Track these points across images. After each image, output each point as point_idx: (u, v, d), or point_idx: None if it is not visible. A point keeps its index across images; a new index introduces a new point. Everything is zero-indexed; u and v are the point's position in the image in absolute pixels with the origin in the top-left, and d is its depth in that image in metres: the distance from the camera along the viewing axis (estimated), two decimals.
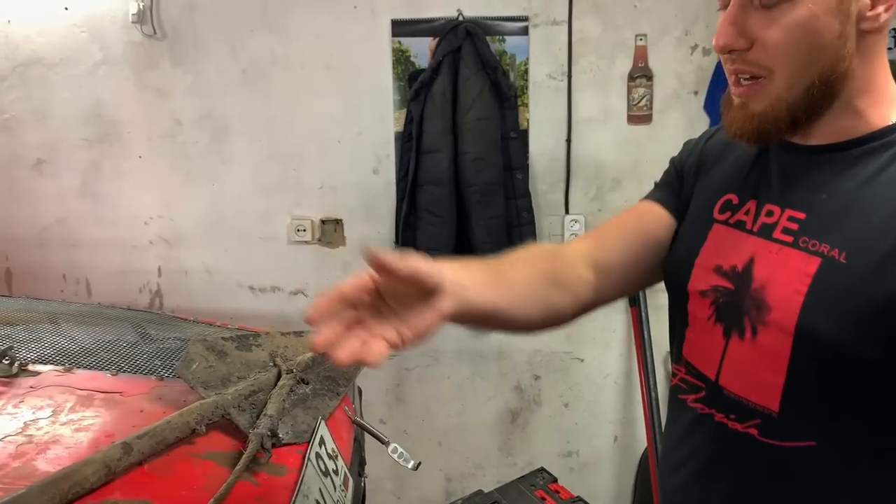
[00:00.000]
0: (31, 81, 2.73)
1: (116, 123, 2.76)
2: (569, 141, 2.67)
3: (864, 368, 0.81)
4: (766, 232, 0.89)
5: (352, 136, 2.76)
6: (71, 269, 2.84)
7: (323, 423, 1.31)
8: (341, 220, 2.82)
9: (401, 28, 2.69)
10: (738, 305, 0.89)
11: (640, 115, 2.69)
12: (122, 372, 1.41)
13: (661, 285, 1.07)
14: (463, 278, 0.86)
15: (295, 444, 1.23)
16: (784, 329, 0.83)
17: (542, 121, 2.67)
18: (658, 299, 2.68)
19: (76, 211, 2.81)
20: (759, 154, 0.96)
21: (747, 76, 0.85)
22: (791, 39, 0.80)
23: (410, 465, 1.51)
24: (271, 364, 1.40)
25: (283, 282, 2.86)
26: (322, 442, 1.27)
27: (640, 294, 2.64)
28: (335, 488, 1.23)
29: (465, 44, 2.62)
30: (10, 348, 1.35)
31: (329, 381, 1.45)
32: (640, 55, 2.70)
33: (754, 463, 0.89)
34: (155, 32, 2.69)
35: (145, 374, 1.41)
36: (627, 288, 1.08)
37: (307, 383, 1.39)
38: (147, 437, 1.06)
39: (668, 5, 2.67)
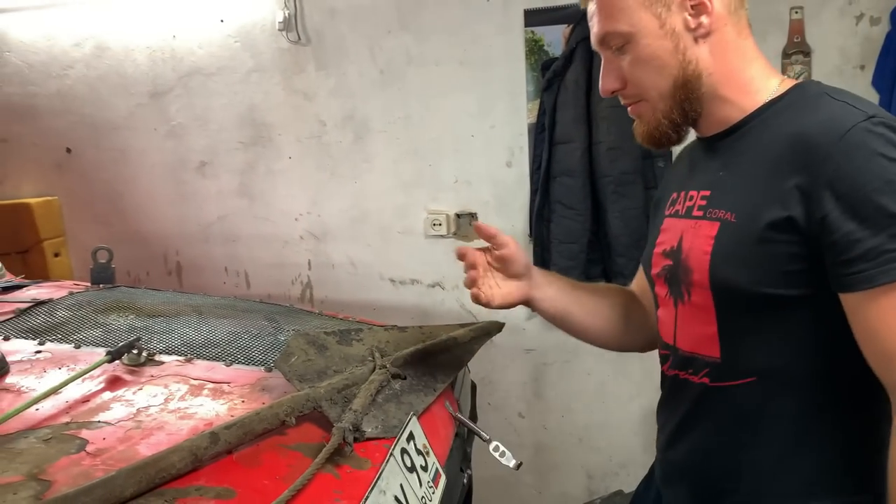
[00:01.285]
0: (193, 90, 2.98)
1: (268, 126, 2.94)
2: None
3: (774, 303, 0.97)
4: (689, 212, 1.10)
5: (485, 130, 2.76)
6: (232, 262, 3.08)
7: (415, 418, 1.32)
8: (475, 214, 2.83)
9: (533, 17, 2.65)
10: (676, 276, 1.09)
11: None
12: (237, 363, 1.50)
13: None
14: (548, 278, 1.37)
15: (384, 438, 1.25)
16: (704, 286, 1.03)
17: None
18: None
19: (235, 208, 3.03)
20: (689, 155, 1.20)
21: (632, 102, 1.10)
22: (643, 68, 1.05)
23: (512, 464, 1.49)
24: (369, 358, 1.42)
25: (421, 274, 2.92)
26: (411, 437, 1.28)
27: None
28: (421, 484, 1.23)
29: None
30: (139, 339, 1.48)
31: (427, 376, 1.45)
32: (796, 29, 2.46)
33: (712, 407, 1.06)
34: (300, 39, 2.83)
35: (257, 366, 1.49)
36: None
37: (404, 378, 1.41)
38: (235, 427, 1.12)
39: None
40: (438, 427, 1.44)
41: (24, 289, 1.96)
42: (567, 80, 2.56)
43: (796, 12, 2.46)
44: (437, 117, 2.79)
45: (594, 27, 1.10)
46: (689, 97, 1.05)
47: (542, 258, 2.71)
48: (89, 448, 1.12)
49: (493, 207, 2.80)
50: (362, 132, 2.86)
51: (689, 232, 1.08)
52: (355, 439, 1.18)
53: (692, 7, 1.03)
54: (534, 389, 2.91)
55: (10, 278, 2.10)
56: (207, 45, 2.94)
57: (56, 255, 3.00)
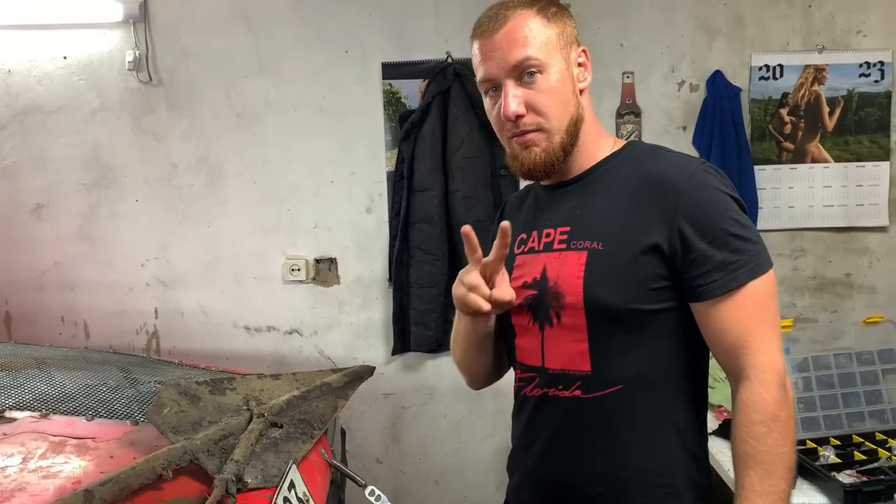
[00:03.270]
0: (30, 128, 2.79)
1: (114, 168, 2.81)
2: None
3: (639, 317, 1.12)
4: (548, 247, 1.21)
5: (345, 176, 2.80)
6: (69, 311, 2.87)
7: (294, 466, 1.31)
8: (335, 259, 2.85)
9: (391, 71, 2.74)
10: (543, 303, 1.18)
11: None
12: (99, 417, 1.42)
13: None
14: None
15: (264, 488, 1.23)
16: (576, 307, 1.14)
17: None
18: None
19: (74, 254, 2.84)
20: (529, 201, 1.31)
21: (530, 130, 1.15)
22: (552, 98, 1.14)
23: None
24: (244, 408, 1.40)
25: (278, 321, 2.87)
26: (292, 485, 1.27)
27: None
28: None
29: (453, 85, 2.67)
30: None
31: (304, 423, 1.45)
32: (628, 92, 2.73)
33: (584, 417, 1.16)
34: (151, 79, 2.75)
35: (121, 419, 1.42)
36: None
37: (280, 426, 1.40)
38: (111, 483, 1.07)
39: (654, 43, 2.71)
40: (315, 474, 1.43)
41: None
42: (424, 132, 2.67)
43: (628, 77, 2.72)
44: (296, 162, 2.79)
45: (504, 55, 1.14)
46: (575, 135, 1.17)
47: (402, 302, 2.77)
48: None
49: (353, 252, 2.83)
50: (216, 175, 2.81)
51: (553, 263, 1.19)
52: (238, 490, 1.16)
53: (579, 64, 1.20)
54: (392, 434, 2.93)
55: None
56: (48, 82, 2.77)
57: None
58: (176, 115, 2.78)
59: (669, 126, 2.73)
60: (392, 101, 2.76)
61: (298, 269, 2.82)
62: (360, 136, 2.78)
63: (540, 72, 1.13)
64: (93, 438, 1.31)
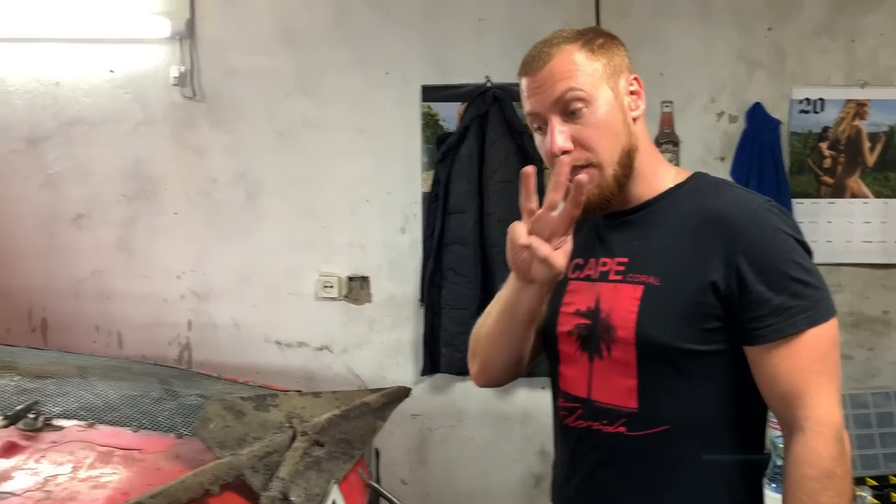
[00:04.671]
0: (74, 139, 2.85)
1: (154, 180, 2.85)
2: None
3: (690, 357, 1.09)
4: (604, 277, 1.18)
5: (380, 195, 2.82)
6: (104, 320, 2.91)
7: (336, 486, 1.31)
8: (368, 278, 2.86)
9: (431, 93, 2.77)
10: (594, 334, 1.16)
11: None
12: (144, 428, 1.43)
13: None
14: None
15: None
16: (628, 342, 1.11)
17: None
18: None
19: (111, 264, 2.88)
20: (587, 228, 1.26)
21: (579, 167, 1.11)
22: (600, 132, 1.12)
23: None
24: (287, 425, 1.41)
25: (309, 337, 2.89)
26: None
27: None
28: None
29: (492, 109, 2.69)
30: (36, 403, 1.38)
31: (344, 443, 1.45)
32: (667, 121, 2.73)
33: (628, 455, 1.13)
34: (195, 95, 2.80)
35: (165, 432, 1.43)
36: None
37: (322, 445, 1.40)
38: (160, 496, 1.08)
39: (694, 73, 2.71)
40: (355, 494, 1.43)
41: None
42: (461, 155, 2.69)
43: (667, 106, 2.73)
44: (333, 181, 2.82)
45: (547, 90, 1.13)
46: (629, 166, 1.15)
47: (433, 323, 2.77)
48: None
49: (385, 272, 2.85)
50: (255, 191, 2.84)
51: (608, 294, 1.16)
52: None
53: (631, 92, 1.17)
54: (418, 455, 2.92)
55: None
56: (94, 94, 2.83)
57: None
58: (218, 131, 2.82)
59: (707, 157, 2.73)
60: (430, 123, 2.79)
61: (331, 287, 2.84)
62: (397, 157, 2.81)
63: (586, 105, 1.11)
64: (139, 450, 1.32)
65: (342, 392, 1.64)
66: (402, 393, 1.70)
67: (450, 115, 2.78)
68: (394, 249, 2.85)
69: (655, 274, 1.12)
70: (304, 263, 2.86)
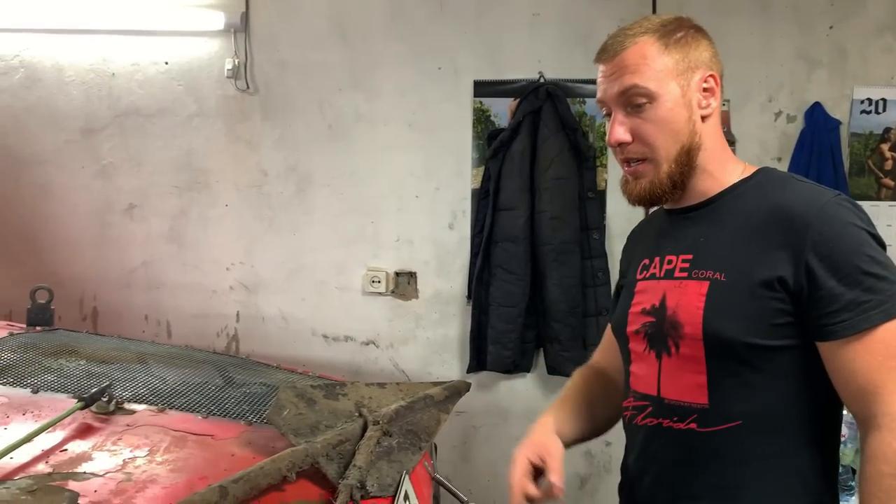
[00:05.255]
0: (128, 130, 2.88)
1: (206, 172, 2.87)
2: None
3: (759, 352, 1.07)
4: (669, 274, 1.18)
5: (429, 191, 2.81)
6: (153, 310, 2.93)
7: (407, 477, 1.30)
8: (415, 273, 2.85)
9: (483, 89, 2.76)
10: (661, 332, 1.16)
11: None
12: (212, 415, 1.43)
13: None
14: (559, 428, 1.31)
15: (380, 497, 1.23)
16: (695, 338, 1.10)
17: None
18: None
19: (162, 254, 2.91)
20: (655, 226, 1.30)
21: (635, 160, 1.15)
22: (660, 129, 1.12)
23: None
24: (356, 414, 1.40)
25: (355, 332, 2.89)
26: (406, 497, 1.26)
27: None
28: None
29: (545, 105, 2.66)
30: (109, 386, 1.39)
31: (412, 435, 1.44)
32: (723, 120, 2.67)
33: (699, 451, 1.12)
34: (248, 87, 2.81)
35: (234, 419, 1.43)
36: None
37: (391, 436, 1.39)
38: (242, 481, 1.07)
39: (752, 72, 2.66)
40: (422, 487, 1.42)
41: None
42: (513, 151, 2.67)
43: (723, 104, 2.66)
44: (382, 176, 2.82)
45: (614, 82, 1.14)
46: (688, 165, 1.14)
47: (480, 320, 2.75)
48: (82, 501, 1.04)
49: (433, 268, 2.84)
50: (305, 185, 2.85)
51: (674, 291, 1.16)
52: (361, 497, 1.16)
53: (704, 90, 1.16)
54: (461, 453, 2.91)
55: None
56: (149, 85, 2.86)
57: None
58: (269, 124, 2.83)
59: (764, 157, 2.68)
60: (481, 118, 2.77)
61: (378, 282, 2.84)
62: (447, 153, 2.80)
63: (649, 101, 1.12)
64: (211, 436, 1.32)
65: (405, 384, 1.63)
66: (462, 387, 1.68)
67: (501, 110, 2.76)
68: (441, 246, 2.84)
69: (721, 269, 1.11)
70: (352, 258, 2.86)
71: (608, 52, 1.15)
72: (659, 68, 1.12)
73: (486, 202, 2.73)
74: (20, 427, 1.25)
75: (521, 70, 2.74)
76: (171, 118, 2.86)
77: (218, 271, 2.91)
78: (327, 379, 1.80)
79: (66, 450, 1.19)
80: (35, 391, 1.43)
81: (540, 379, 2.80)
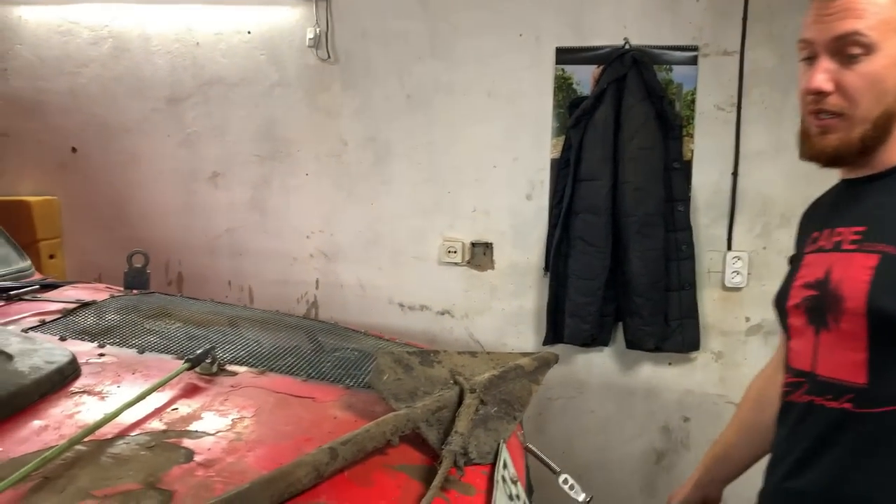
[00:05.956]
0: (212, 99, 2.93)
1: (287, 142, 2.90)
2: (735, 174, 2.57)
3: None
4: (837, 246, 1.12)
5: (508, 161, 2.78)
6: (236, 276, 3.00)
7: (504, 445, 1.30)
8: (491, 244, 2.84)
9: (565, 56, 2.70)
10: (821, 305, 1.10)
11: None
12: (311, 378, 1.46)
13: None
14: (716, 471, 1.50)
15: (481, 464, 1.23)
16: (857, 313, 1.04)
17: (707, 152, 2.59)
18: None
19: (244, 222, 2.97)
20: (829, 199, 1.24)
21: (828, 113, 1.07)
22: (866, 85, 1.05)
23: (581, 497, 1.49)
24: (452, 382, 1.40)
25: (431, 301, 2.90)
26: (505, 465, 1.26)
27: None
28: None
29: (630, 72, 2.59)
30: (213, 348, 1.42)
31: (506, 404, 1.44)
32: None
33: (851, 432, 1.07)
34: (329, 57, 2.82)
35: (332, 382, 1.45)
36: None
37: (486, 404, 1.39)
38: (350, 444, 1.09)
39: None
40: (516, 456, 1.42)
41: (60, 289, 1.87)
42: (596, 119, 2.61)
43: None
44: (460, 145, 2.80)
45: (832, 23, 1.06)
46: (884, 129, 1.07)
47: (557, 292, 2.73)
48: (197, 458, 1.07)
49: (509, 239, 2.82)
50: (383, 154, 2.85)
51: (839, 264, 1.10)
52: (464, 463, 1.16)
53: None
54: (536, 424, 2.90)
55: (39, 276, 2.00)
56: (231, 55, 2.89)
57: (51, 256, 2.88)
58: (350, 93, 2.84)
59: None
60: (563, 86, 2.72)
61: (455, 252, 2.84)
62: (527, 122, 2.75)
63: (865, 53, 1.03)
64: (313, 398, 1.34)
65: (495, 353, 1.63)
66: (551, 359, 1.68)
67: (584, 78, 2.70)
68: (519, 216, 2.81)
69: (895, 243, 1.04)
70: (429, 228, 2.86)
71: None
72: (886, 18, 1.04)
73: (566, 172, 2.68)
74: (131, 386, 1.29)
75: (606, 36, 2.66)
76: (253, 87, 2.90)
77: (298, 239, 2.95)
78: (417, 346, 1.81)
79: (176, 409, 1.23)
80: (141, 351, 1.48)
81: (618, 353, 2.77)
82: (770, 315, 2.57)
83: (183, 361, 1.35)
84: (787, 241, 2.50)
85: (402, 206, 2.87)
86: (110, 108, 2.98)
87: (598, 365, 2.81)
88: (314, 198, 2.91)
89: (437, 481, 1.09)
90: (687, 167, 2.63)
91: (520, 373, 1.54)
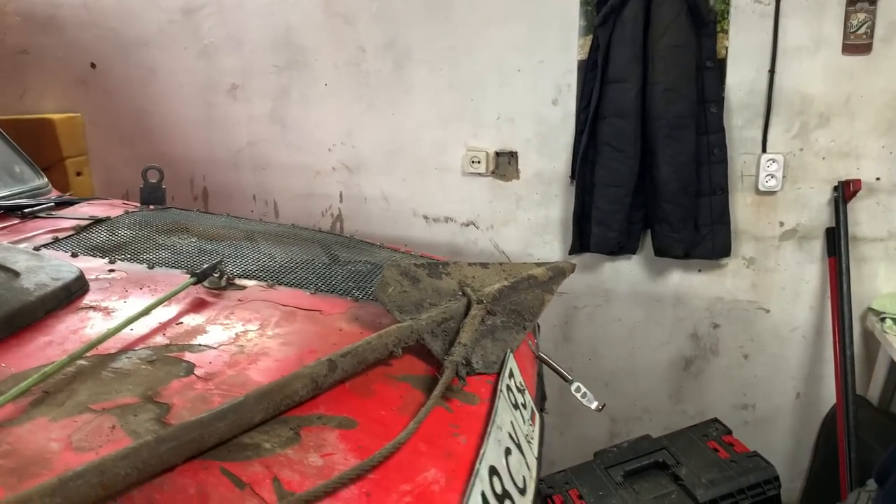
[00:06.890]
0: (227, 8, 2.85)
1: (305, 50, 2.83)
2: (772, 72, 2.43)
3: None
4: None
5: (532, 64, 2.67)
6: (261, 190, 3.00)
7: (511, 355, 1.29)
8: (516, 153, 2.77)
9: None
10: None
11: (857, 45, 2.39)
12: (320, 291, 1.45)
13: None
14: None
15: (485, 374, 1.22)
16: None
17: (742, 49, 2.44)
18: (861, 251, 2.44)
19: (266, 135, 2.94)
20: None
21: None
22: None
23: (594, 405, 1.48)
24: (460, 293, 1.38)
25: (455, 213, 2.86)
26: (511, 374, 1.25)
27: (843, 243, 2.41)
28: (524, 422, 1.21)
29: None
30: (221, 262, 1.42)
31: (515, 314, 1.42)
32: None
33: None
34: None
35: (340, 295, 1.44)
36: None
37: (494, 315, 1.37)
38: (350, 355, 1.08)
39: None
40: (526, 365, 1.41)
41: (76, 205, 1.88)
42: (624, 17, 2.47)
43: None
44: (483, 49, 2.69)
45: None
46: None
47: (584, 201, 2.66)
48: (198, 372, 1.07)
49: (534, 146, 2.74)
50: (403, 61, 2.76)
51: None
52: (467, 373, 1.15)
53: None
54: (563, 332, 2.90)
55: (56, 194, 2.02)
56: None
57: (78, 174, 2.90)
58: None
59: None
60: None
61: (479, 162, 2.77)
62: (552, 21, 2.62)
63: None
64: (320, 311, 1.34)
65: (508, 264, 1.59)
66: (567, 268, 1.64)
67: None
68: (544, 123, 2.72)
69: None
70: (452, 137, 2.79)
71: None
72: None
73: (593, 74, 2.57)
74: (138, 301, 1.30)
75: None
76: None
77: (320, 152, 2.92)
78: (430, 258, 1.78)
79: (181, 323, 1.24)
80: (151, 267, 1.48)
81: (646, 260, 2.72)
82: (805, 219, 2.50)
83: (189, 276, 1.35)
84: (825, 142, 2.39)
85: (424, 116, 2.79)
86: (126, 21, 2.92)
87: (625, 273, 2.76)
88: (334, 109, 2.85)
89: (437, 390, 1.08)
90: (721, 66, 2.49)
91: (532, 283, 1.51)
